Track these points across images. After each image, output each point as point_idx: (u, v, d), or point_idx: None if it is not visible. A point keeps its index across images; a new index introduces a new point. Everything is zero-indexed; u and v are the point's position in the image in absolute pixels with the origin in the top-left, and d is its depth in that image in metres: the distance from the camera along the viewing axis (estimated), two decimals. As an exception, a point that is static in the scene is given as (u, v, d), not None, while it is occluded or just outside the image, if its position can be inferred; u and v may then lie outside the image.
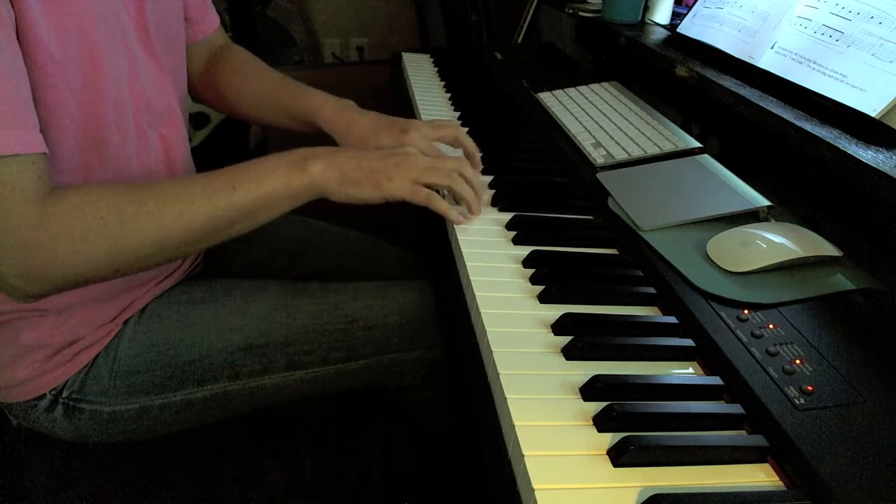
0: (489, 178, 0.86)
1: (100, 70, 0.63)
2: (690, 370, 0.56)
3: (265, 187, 0.65)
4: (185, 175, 0.79)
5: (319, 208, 0.75)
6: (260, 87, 0.93)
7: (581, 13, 1.32)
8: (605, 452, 0.46)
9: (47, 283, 0.58)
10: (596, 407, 0.49)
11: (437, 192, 0.73)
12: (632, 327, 0.60)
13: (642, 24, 1.22)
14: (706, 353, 0.56)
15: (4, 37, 0.54)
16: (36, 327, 0.70)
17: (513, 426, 0.48)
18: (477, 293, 0.63)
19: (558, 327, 0.58)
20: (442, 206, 0.72)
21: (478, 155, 0.83)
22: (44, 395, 0.73)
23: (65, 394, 0.73)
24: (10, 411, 0.77)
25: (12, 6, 0.54)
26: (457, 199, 0.75)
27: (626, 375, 0.52)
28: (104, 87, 0.64)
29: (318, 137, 0.86)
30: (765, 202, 0.74)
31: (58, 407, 0.73)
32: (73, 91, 0.61)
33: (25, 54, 0.56)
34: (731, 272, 0.64)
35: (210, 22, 0.93)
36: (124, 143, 0.69)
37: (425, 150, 0.77)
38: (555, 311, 0.60)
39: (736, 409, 0.50)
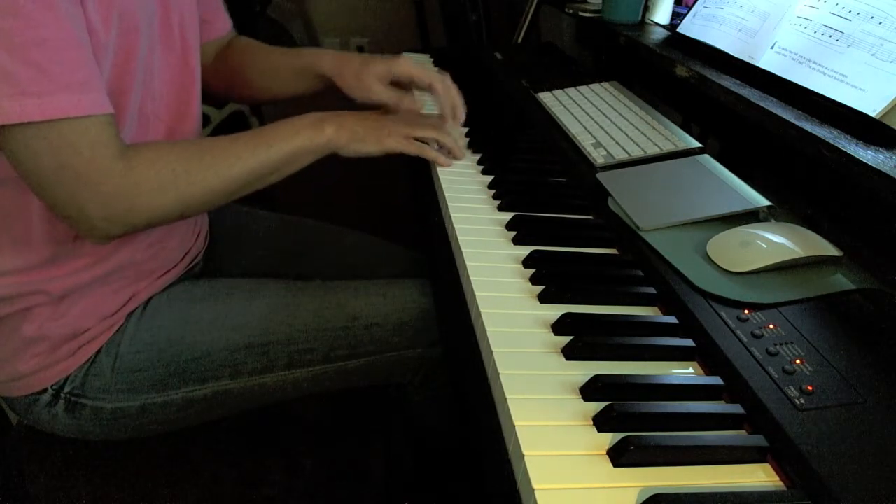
0: (489, 178, 0.86)
1: (132, 56, 0.67)
2: (690, 370, 0.56)
3: (294, 144, 0.74)
4: None
5: (320, 208, 0.76)
6: (269, 59, 0.97)
7: (581, 13, 1.32)
8: (605, 452, 0.46)
9: (127, 224, 0.66)
10: (596, 407, 0.49)
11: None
12: (632, 327, 0.59)
13: (642, 24, 1.22)
14: (706, 353, 0.56)
15: (75, 10, 0.57)
16: (37, 319, 0.70)
17: (513, 426, 0.48)
18: (477, 293, 0.63)
19: (558, 327, 0.58)
20: (431, 153, 0.86)
21: (461, 109, 0.93)
22: (45, 390, 0.73)
23: (66, 389, 0.73)
24: (12, 406, 0.77)
25: None
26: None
27: (626, 375, 0.52)
28: (133, 73, 0.68)
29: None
30: (765, 202, 0.74)
31: (59, 402, 0.73)
32: (105, 73, 0.64)
33: None
34: (731, 272, 0.64)
35: (222, 25, 0.94)
36: (132, 126, 0.71)
37: (415, 72, 0.88)
38: (555, 311, 0.60)
39: (736, 409, 0.50)
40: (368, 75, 0.87)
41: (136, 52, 0.68)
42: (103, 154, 0.61)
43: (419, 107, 0.89)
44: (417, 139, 0.84)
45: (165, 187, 0.66)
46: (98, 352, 0.74)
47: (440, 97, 0.88)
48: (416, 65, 0.89)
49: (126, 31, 0.65)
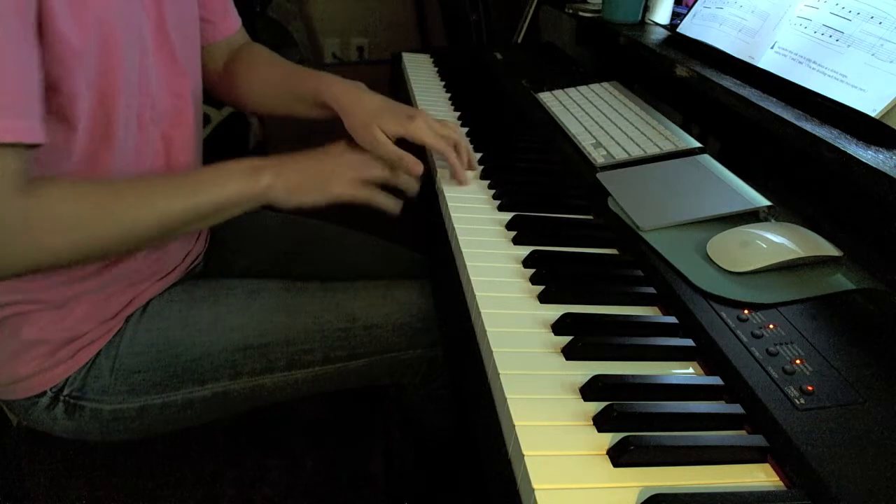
0: (489, 178, 0.86)
1: (115, 62, 0.65)
2: (690, 370, 0.56)
3: (222, 193, 0.69)
4: None
5: (320, 208, 0.75)
6: (274, 77, 0.93)
7: (581, 13, 1.33)
8: (605, 452, 0.46)
9: (10, 266, 0.60)
10: (596, 407, 0.49)
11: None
12: (632, 327, 0.59)
13: (642, 24, 1.22)
14: (706, 353, 0.56)
15: (17, 25, 0.54)
16: (36, 322, 0.70)
17: (513, 426, 0.48)
18: (477, 293, 0.63)
19: (558, 327, 0.58)
20: (380, 200, 0.77)
21: (475, 162, 0.87)
22: (44, 393, 0.73)
23: (66, 391, 0.73)
24: (11, 409, 0.77)
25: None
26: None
27: (626, 375, 0.52)
28: (118, 79, 0.66)
29: (316, 142, 0.85)
30: (765, 202, 0.74)
31: (58, 404, 0.73)
32: (88, 81, 0.63)
33: (45, 44, 0.57)
34: (731, 272, 0.64)
35: (230, 24, 0.93)
36: (128, 138, 0.70)
37: (429, 140, 0.81)
38: (555, 311, 0.60)
39: (736, 409, 0.50)
40: (377, 130, 0.79)
41: (120, 59, 0.65)
42: (3, 187, 0.56)
43: (419, 170, 0.79)
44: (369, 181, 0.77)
45: (70, 228, 0.61)
46: (97, 354, 0.74)
47: (452, 166, 0.83)
48: (431, 131, 0.81)
49: (105, 37, 0.63)
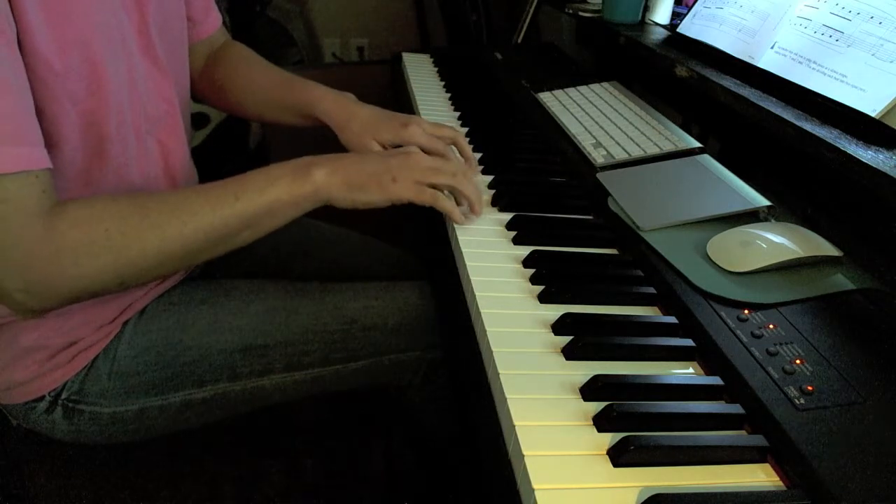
0: (489, 178, 0.86)
1: (102, 80, 0.63)
2: (690, 370, 0.56)
3: (268, 195, 0.65)
4: (184, 181, 0.79)
5: (320, 209, 0.75)
6: (259, 82, 0.92)
7: (581, 13, 1.33)
8: (605, 452, 0.46)
9: (51, 296, 0.59)
10: (596, 407, 0.49)
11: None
12: (632, 327, 0.59)
13: (642, 24, 1.22)
14: (706, 353, 0.56)
15: (7, 50, 0.53)
16: (35, 329, 0.70)
17: (513, 426, 0.48)
18: (477, 293, 0.63)
19: (558, 327, 0.58)
20: (447, 205, 0.72)
21: (475, 159, 0.86)
22: (43, 397, 0.72)
23: (64, 395, 0.73)
24: (10, 413, 0.77)
25: (14, 18, 0.54)
26: (458, 200, 0.76)
27: (626, 375, 0.52)
28: (106, 96, 0.64)
29: (317, 142, 0.85)
30: (765, 202, 0.74)
31: (57, 408, 0.73)
32: (73, 101, 0.61)
33: (25, 66, 0.56)
34: (731, 272, 0.64)
35: (212, 22, 0.92)
36: (125, 151, 0.69)
37: (425, 144, 0.79)
38: (555, 311, 0.60)
39: (736, 409, 0.50)
40: (371, 141, 0.79)
41: (107, 77, 0.63)
42: (18, 214, 0.54)
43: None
44: (431, 186, 0.71)
45: (94, 251, 0.58)
46: (95, 357, 0.73)
47: None
48: (425, 135, 0.80)
49: (88, 57, 0.61)
